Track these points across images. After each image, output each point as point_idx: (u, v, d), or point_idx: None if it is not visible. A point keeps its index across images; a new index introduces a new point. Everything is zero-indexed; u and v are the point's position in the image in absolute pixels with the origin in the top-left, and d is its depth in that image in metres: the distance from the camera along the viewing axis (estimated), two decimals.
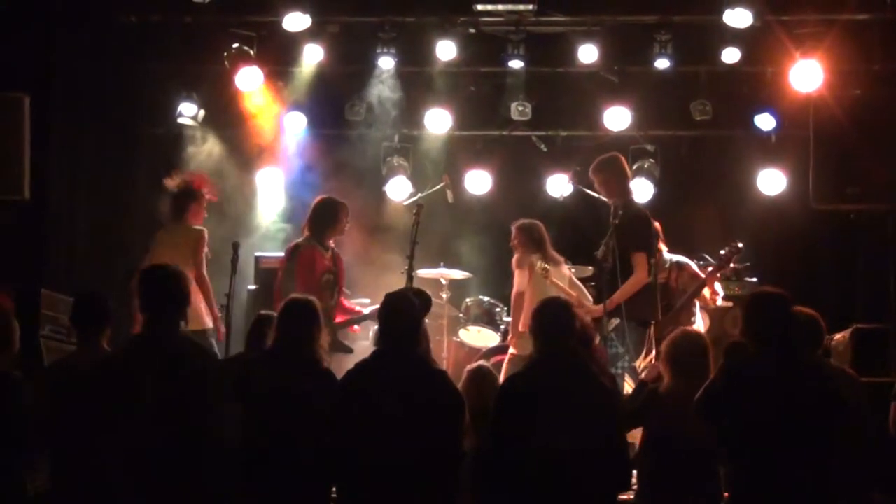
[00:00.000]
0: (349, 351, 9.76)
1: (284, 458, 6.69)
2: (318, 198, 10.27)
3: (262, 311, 8.11)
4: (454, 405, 6.54)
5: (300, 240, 9.97)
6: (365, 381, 6.56)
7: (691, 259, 10.53)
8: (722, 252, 10.11)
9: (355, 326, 10.50)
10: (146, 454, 5.92)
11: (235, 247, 9.41)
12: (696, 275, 10.11)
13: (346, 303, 10.32)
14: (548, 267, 9.88)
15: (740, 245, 10.07)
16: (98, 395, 6.11)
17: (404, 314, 6.69)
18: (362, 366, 6.74)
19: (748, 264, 11.27)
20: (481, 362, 8.04)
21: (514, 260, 10.33)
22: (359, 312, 10.29)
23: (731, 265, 10.07)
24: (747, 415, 6.17)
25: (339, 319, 10.01)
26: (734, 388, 6.26)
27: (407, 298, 6.89)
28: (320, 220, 9.98)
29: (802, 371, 6.29)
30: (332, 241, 10.03)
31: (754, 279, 11.26)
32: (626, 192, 9.89)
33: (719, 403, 6.32)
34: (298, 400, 6.74)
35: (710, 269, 10.11)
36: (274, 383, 6.79)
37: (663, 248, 10.22)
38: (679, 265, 10.20)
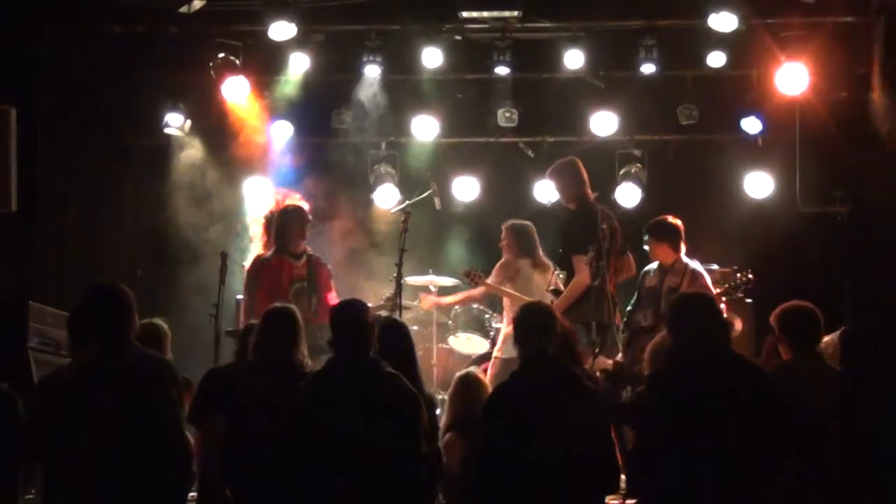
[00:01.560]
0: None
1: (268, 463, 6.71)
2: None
3: (251, 321, 8.11)
4: (409, 407, 6.50)
5: (264, 252, 9.85)
6: (319, 388, 6.55)
7: None
8: (735, 278, 10.03)
9: None
10: (107, 463, 5.93)
11: (223, 257, 9.41)
12: (706, 287, 9.94)
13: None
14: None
15: (751, 276, 9.99)
16: (55, 411, 6.11)
17: (354, 320, 6.67)
18: (316, 375, 6.73)
19: (735, 267, 11.26)
20: (471, 369, 8.05)
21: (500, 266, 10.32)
22: None
23: (740, 294, 9.96)
24: (670, 419, 6.18)
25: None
26: (657, 394, 6.29)
27: (356, 305, 6.87)
28: (277, 229, 9.87)
29: (725, 371, 6.29)
30: (303, 248, 9.89)
31: (750, 274, 11.24)
32: (584, 197, 9.85)
33: (644, 411, 6.35)
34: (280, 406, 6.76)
35: (717, 291, 9.95)
36: (256, 391, 6.81)
37: (683, 249, 10.11)
38: (694, 275, 10.00)
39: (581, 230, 9.46)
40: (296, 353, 7.01)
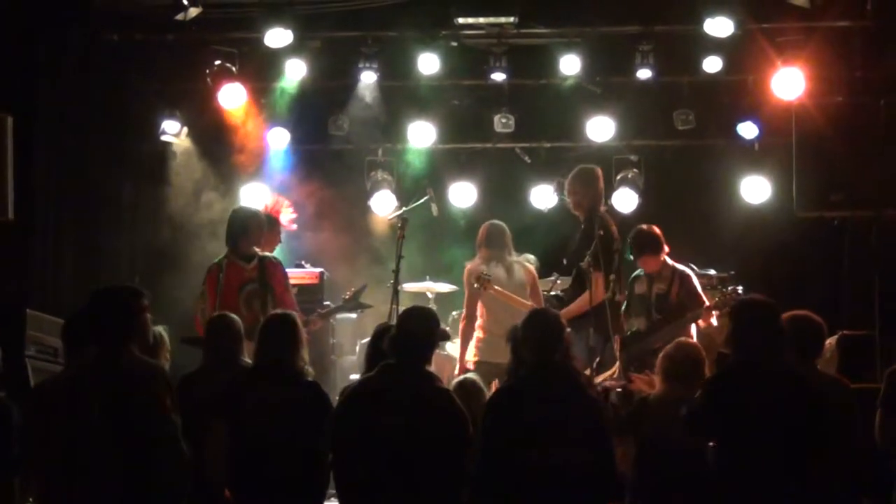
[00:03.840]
0: None
1: (274, 472, 6.71)
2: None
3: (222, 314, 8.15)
4: (458, 426, 6.49)
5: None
6: (366, 397, 6.54)
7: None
8: (725, 291, 9.92)
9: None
10: (103, 470, 5.92)
11: (221, 262, 9.39)
12: (693, 292, 9.73)
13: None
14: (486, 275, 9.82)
15: (740, 290, 9.87)
16: (49, 418, 6.10)
17: (422, 329, 6.68)
18: (365, 381, 6.72)
19: (733, 272, 11.27)
20: (469, 374, 8.03)
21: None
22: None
23: (727, 308, 9.87)
24: (728, 427, 6.20)
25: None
26: (714, 401, 6.31)
27: (429, 315, 6.90)
28: (230, 231, 9.70)
29: (782, 380, 6.30)
30: (253, 251, 9.58)
31: (739, 288, 11.24)
32: (595, 209, 9.81)
33: (702, 418, 6.37)
34: (284, 413, 6.77)
35: (707, 304, 9.85)
36: (260, 399, 6.82)
37: (666, 252, 10.05)
38: (682, 278, 9.87)
39: (603, 250, 9.45)
40: (296, 359, 7.01)
